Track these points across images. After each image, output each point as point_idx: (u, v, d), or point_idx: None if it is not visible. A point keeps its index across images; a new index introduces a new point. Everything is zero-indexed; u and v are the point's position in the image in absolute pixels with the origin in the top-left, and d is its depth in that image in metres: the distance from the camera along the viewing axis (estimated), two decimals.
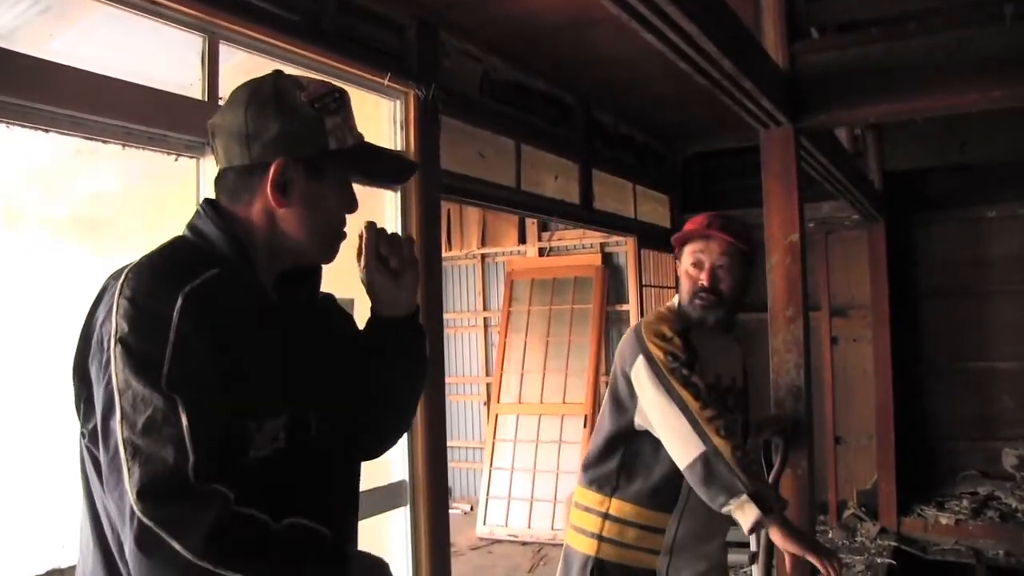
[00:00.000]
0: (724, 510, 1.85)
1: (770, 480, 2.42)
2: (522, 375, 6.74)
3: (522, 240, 7.31)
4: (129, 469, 0.97)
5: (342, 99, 1.21)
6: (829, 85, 3.01)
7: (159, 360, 1.00)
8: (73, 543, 1.16)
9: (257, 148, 1.15)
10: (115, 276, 1.10)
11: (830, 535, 5.74)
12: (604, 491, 2.15)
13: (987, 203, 5.91)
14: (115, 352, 1.00)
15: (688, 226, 2.21)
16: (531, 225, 7.20)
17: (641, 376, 2.03)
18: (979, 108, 3.18)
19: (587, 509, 2.18)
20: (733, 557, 4.69)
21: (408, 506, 3.21)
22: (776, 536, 1.82)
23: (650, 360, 2.02)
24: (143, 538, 0.95)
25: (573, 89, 4.71)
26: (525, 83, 4.29)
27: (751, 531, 1.82)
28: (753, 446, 2.44)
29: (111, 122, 2.15)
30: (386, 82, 3.13)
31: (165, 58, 2.50)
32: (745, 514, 1.82)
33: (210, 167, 2.40)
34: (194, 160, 2.43)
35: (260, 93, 1.17)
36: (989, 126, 5.21)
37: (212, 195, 1.21)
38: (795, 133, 2.95)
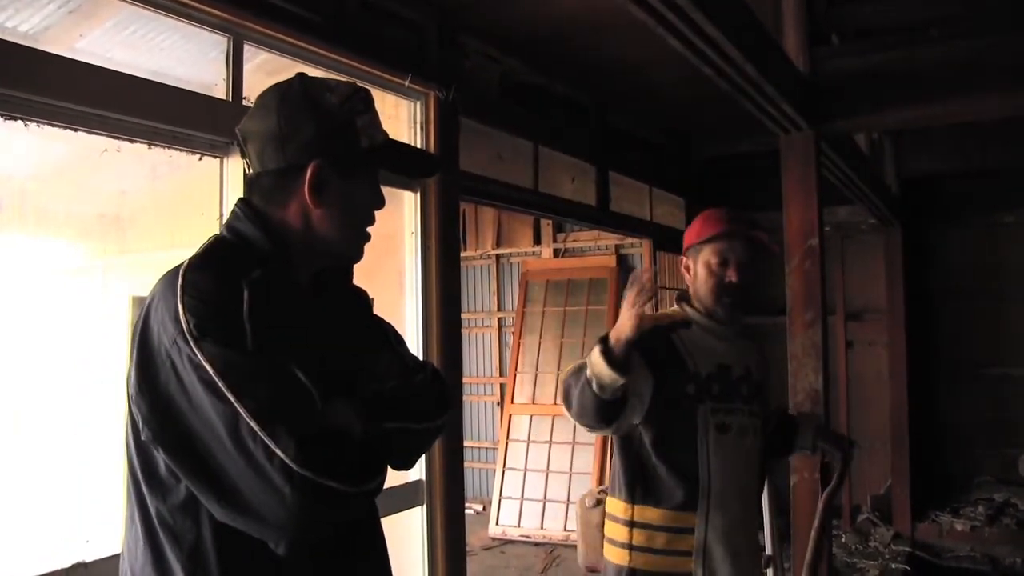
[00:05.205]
0: (595, 386, 1.77)
1: (823, 496, 2.41)
2: (536, 376, 6.75)
3: (537, 241, 7.32)
4: (272, 436, 0.98)
5: (368, 98, 1.24)
6: (850, 91, 3.01)
7: (243, 333, 1.03)
8: (120, 538, 1.17)
9: (292, 150, 1.16)
10: (166, 283, 1.09)
11: (843, 539, 5.73)
12: (626, 499, 2.12)
13: (1006, 209, 5.88)
14: (196, 347, 1.01)
15: (709, 224, 2.17)
16: (546, 226, 7.21)
17: None
18: (1000, 116, 3.17)
19: (615, 519, 2.15)
20: None
21: (424, 505, 3.23)
22: (612, 338, 1.74)
23: None
24: (304, 491, 0.98)
25: (590, 91, 4.71)
26: (543, 85, 4.30)
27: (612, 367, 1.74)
28: (802, 447, 2.39)
29: (137, 121, 2.17)
30: (407, 83, 3.15)
31: (190, 58, 2.53)
32: (596, 366, 1.75)
33: (234, 167, 2.43)
34: (218, 159, 2.45)
35: (290, 96, 1.18)
36: (1009, 130, 5.17)
37: (244, 196, 1.22)
38: (815, 138, 2.95)
